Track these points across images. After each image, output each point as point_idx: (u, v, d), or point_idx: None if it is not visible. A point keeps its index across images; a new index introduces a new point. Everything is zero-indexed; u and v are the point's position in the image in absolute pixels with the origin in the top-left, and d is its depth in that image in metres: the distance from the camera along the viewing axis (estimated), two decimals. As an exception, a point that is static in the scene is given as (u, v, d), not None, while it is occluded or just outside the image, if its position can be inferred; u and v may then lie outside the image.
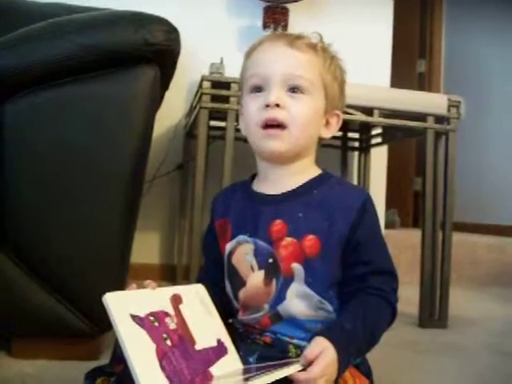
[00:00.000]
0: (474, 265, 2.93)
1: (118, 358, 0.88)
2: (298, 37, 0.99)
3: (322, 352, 0.82)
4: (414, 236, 2.37)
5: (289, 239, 0.95)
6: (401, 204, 3.86)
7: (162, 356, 0.82)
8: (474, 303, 2.42)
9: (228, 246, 1.02)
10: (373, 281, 0.95)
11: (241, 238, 1.00)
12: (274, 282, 0.95)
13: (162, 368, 0.81)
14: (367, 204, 0.97)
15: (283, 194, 0.99)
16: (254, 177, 1.07)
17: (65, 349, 1.32)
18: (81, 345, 1.33)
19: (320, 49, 1.00)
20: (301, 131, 0.96)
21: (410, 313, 1.88)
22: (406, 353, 1.53)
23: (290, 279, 0.94)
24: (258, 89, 0.97)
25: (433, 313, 1.91)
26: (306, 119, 0.96)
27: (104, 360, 1.09)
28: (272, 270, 0.95)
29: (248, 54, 1.04)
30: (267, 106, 0.94)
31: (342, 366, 0.84)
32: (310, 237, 0.94)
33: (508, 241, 3.24)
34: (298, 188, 1.00)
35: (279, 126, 0.94)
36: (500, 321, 2.11)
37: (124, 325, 0.82)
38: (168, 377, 0.81)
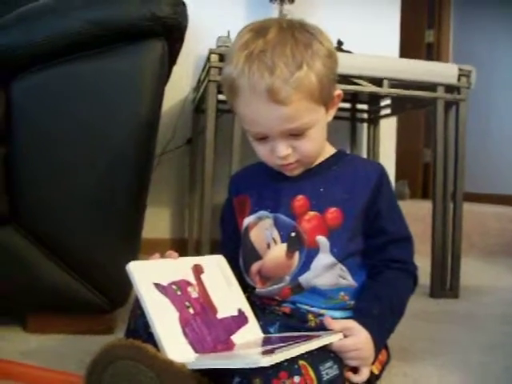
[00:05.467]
0: (484, 235, 2.93)
1: (132, 332, 0.89)
2: (275, 66, 0.89)
3: (355, 332, 0.88)
4: (423, 207, 2.37)
5: (312, 213, 1.00)
6: (410, 175, 3.86)
7: (185, 323, 0.84)
8: (484, 273, 2.43)
9: (246, 221, 1.06)
10: (393, 250, 1.01)
11: (262, 213, 1.04)
12: (296, 254, 0.99)
13: (185, 335, 0.83)
14: (383, 175, 1.03)
15: (303, 172, 1.03)
16: None
17: (79, 324, 1.33)
18: (95, 320, 1.34)
19: (301, 57, 0.91)
20: (313, 156, 1.02)
21: (422, 283, 1.85)
22: (418, 322, 1.54)
23: (314, 251, 0.99)
24: (260, 138, 0.98)
25: (444, 283, 1.92)
26: (315, 148, 1.00)
27: (118, 335, 1.11)
28: (295, 243, 0.99)
29: (226, 81, 0.97)
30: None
31: (377, 348, 0.91)
32: (333, 209, 0.99)
33: (518, 210, 3.23)
34: (316, 166, 1.04)
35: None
36: (511, 290, 2.11)
37: (148, 292, 0.84)
38: (191, 343, 0.83)
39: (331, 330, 0.88)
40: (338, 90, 1.03)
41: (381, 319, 0.94)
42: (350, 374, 0.87)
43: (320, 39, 0.96)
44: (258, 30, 0.94)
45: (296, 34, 0.93)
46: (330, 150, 1.07)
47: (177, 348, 0.80)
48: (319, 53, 0.94)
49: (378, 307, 0.95)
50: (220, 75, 1.71)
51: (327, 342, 0.83)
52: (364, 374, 0.89)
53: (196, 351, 0.82)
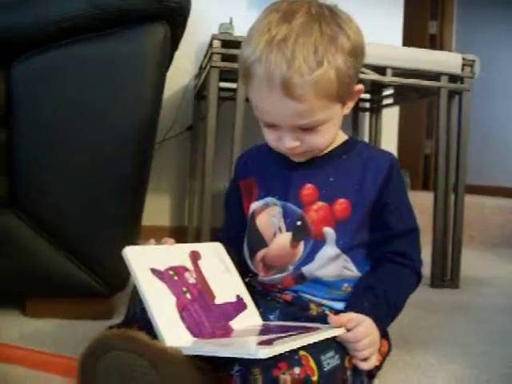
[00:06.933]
0: (486, 227, 2.92)
1: (132, 318, 0.88)
2: (293, 59, 0.84)
3: (361, 320, 0.86)
4: (424, 198, 2.36)
5: (320, 203, 0.97)
6: (411, 166, 3.84)
7: (182, 308, 0.84)
8: (485, 264, 2.43)
9: (253, 206, 1.04)
10: (398, 244, 0.99)
11: (269, 200, 1.01)
12: (301, 244, 0.97)
13: (183, 319, 0.82)
14: (394, 166, 1.00)
15: (313, 160, 1.00)
16: None
17: (78, 308, 1.33)
18: (93, 304, 1.34)
19: (323, 52, 0.85)
20: (322, 148, 0.98)
21: (422, 273, 1.87)
22: (418, 312, 1.53)
23: (321, 242, 0.96)
24: (270, 125, 0.94)
25: (445, 273, 1.92)
26: (325, 142, 0.97)
27: (116, 320, 1.10)
28: (300, 232, 0.97)
29: (242, 63, 0.92)
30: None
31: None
32: (341, 200, 0.97)
33: (519, 202, 3.23)
34: (327, 154, 1.01)
35: None
36: (510, 281, 2.11)
37: (144, 277, 0.83)
38: (188, 328, 0.82)
39: (335, 325, 0.86)
40: (359, 85, 0.97)
41: (373, 310, 0.90)
42: (358, 362, 0.85)
43: (348, 33, 0.89)
44: (285, 13, 0.88)
45: (323, 24, 0.87)
46: (341, 137, 1.03)
47: (174, 332, 0.80)
48: (343, 49, 0.88)
49: (369, 299, 0.92)
50: (222, 61, 1.70)
51: (328, 336, 0.82)
52: (373, 360, 0.87)
53: (194, 335, 0.82)
